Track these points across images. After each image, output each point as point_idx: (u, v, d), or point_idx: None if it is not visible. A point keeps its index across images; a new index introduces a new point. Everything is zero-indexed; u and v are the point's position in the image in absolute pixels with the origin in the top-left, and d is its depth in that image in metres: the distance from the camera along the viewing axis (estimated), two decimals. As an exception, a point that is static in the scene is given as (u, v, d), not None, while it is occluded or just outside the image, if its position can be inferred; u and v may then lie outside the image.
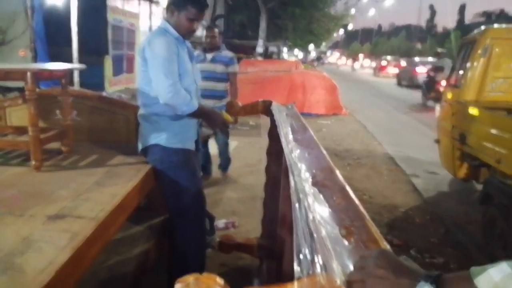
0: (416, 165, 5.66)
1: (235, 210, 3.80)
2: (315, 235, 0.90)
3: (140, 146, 2.22)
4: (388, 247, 0.84)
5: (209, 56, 4.10)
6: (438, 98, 8.87)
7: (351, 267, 0.75)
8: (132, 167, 2.12)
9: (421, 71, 16.04)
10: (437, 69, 11.41)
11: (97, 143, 2.47)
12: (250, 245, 2.69)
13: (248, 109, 2.68)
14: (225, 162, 4.67)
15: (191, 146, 2.26)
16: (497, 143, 3.21)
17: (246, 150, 5.80)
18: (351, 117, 10.05)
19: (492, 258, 3.18)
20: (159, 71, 2.01)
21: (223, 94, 4.18)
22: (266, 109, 2.54)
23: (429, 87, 11.36)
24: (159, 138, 2.14)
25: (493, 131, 3.27)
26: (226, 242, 2.70)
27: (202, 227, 2.40)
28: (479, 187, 3.81)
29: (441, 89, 8.58)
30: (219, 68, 4.08)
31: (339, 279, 0.72)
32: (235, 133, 5.60)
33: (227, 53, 4.18)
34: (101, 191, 1.77)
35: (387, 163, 5.85)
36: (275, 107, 2.48)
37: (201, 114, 2.19)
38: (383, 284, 0.64)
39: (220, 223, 3.39)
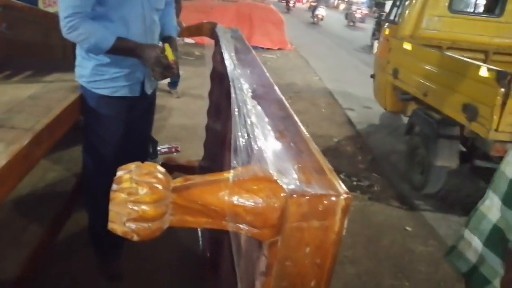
0: (352, 100, 5.96)
1: (178, 136, 3.83)
2: (251, 135, 0.98)
3: None
4: (315, 146, 0.93)
5: None
6: (317, 20, 19.02)
7: (282, 160, 0.83)
8: (69, 84, 2.03)
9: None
10: (316, 2, 20.27)
11: (31, 59, 2.32)
12: (191, 167, 2.78)
13: (192, 30, 2.63)
14: (175, 77, 4.78)
15: (126, 92, 1.79)
16: (425, 78, 3.45)
17: (190, 80, 5.72)
18: (295, 52, 10.11)
19: (410, 182, 3.56)
20: None
21: None
22: (211, 31, 2.51)
23: (313, 11, 19.66)
24: (81, 77, 1.78)
25: (423, 65, 3.50)
26: (168, 164, 2.77)
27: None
28: (406, 120, 4.13)
29: (317, 13, 18.86)
30: None
31: (270, 169, 0.79)
32: (180, 62, 5.52)
33: None
34: (36, 104, 1.71)
35: (326, 97, 6.09)
36: (220, 29, 2.45)
37: (123, 50, 1.65)
38: None
39: (163, 147, 3.43)
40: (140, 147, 2.09)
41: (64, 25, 1.57)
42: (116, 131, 1.83)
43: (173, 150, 3.48)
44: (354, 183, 3.48)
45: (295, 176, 0.77)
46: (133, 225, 0.67)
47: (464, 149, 3.28)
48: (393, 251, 2.67)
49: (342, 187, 0.74)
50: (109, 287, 1.96)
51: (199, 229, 2.32)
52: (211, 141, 2.59)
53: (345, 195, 0.72)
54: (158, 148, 3.25)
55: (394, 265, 2.52)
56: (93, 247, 2.00)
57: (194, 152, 3.31)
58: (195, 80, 5.75)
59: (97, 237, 1.97)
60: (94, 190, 1.81)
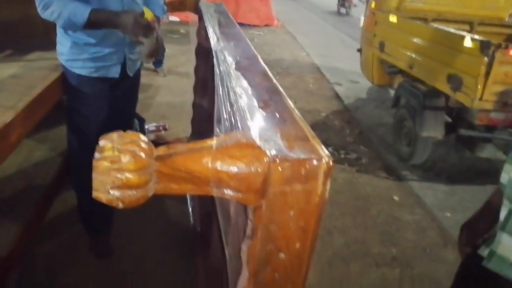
0: (339, 74, 5.95)
1: (165, 114, 3.81)
2: (235, 105, 0.98)
3: None
4: (299, 114, 0.94)
5: None
6: None
7: (266, 128, 0.83)
8: (51, 62, 2.00)
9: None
10: None
11: (11, 38, 2.26)
12: (179, 144, 2.78)
13: (175, 5, 2.58)
14: (160, 56, 4.70)
15: (105, 73, 1.74)
16: (411, 50, 3.46)
17: (176, 58, 5.66)
18: (282, 28, 10.00)
19: (398, 154, 3.61)
20: None
21: None
22: (194, 5, 2.46)
23: None
24: (61, 55, 1.74)
25: (409, 38, 3.49)
26: (157, 142, 2.75)
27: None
28: (393, 94, 4.15)
29: None
30: None
31: (253, 135, 0.80)
32: (165, 40, 5.45)
33: None
34: (18, 84, 1.69)
35: (313, 72, 6.07)
36: (203, 4, 2.41)
37: (100, 22, 1.56)
38: None
39: (151, 126, 3.41)
40: (124, 125, 2.05)
41: (38, 5, 1.54)
42: (99, 109, 1.80)
43: (161, 128, 3.47)
44: (342, 156, 3.53)
45: (278, 142, 0.78)
46: (117, 193, 0.68)
47: (449, 119, 3.32)
48: (380, 220, 2.73)
49: (324, 152, 0.75)
50: (99, 264, 1.98)
51: (189, 204, 2.33)
52: (198, 117, 2.58)
53: (327, 159, 0.73)
54: (146, 127, 3.23)
55: (382, 233, 2.59)
56: (82, 225, 2.01)
57: (182, 130, 3.31)
58: (181, 58, 5.69)
59: (86, 215, 1.97)
60: (79, 168, 1.77)
